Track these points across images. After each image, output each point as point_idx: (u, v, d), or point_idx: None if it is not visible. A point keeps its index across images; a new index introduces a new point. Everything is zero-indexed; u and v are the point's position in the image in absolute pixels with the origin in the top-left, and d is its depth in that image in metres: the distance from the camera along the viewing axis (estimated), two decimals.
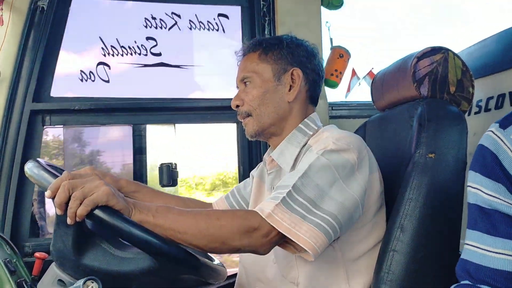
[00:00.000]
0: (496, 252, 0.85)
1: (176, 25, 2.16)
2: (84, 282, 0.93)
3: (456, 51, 1.44)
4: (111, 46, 2.07)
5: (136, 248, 1.03)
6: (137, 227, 0.98)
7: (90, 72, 2.05)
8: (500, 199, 0.84)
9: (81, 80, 2.05)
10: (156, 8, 2.14)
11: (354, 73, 2.30)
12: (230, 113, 2.06)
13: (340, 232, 1.14)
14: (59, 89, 1.99)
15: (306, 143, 1.34)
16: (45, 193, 1.00)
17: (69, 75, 2.06)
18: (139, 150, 2.12)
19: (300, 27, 2.07)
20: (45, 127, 1.98)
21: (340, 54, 2.19)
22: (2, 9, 1.80)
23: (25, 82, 1.89)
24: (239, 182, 2.14)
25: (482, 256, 0.86)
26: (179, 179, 2.10)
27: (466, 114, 1.40)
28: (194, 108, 2.15)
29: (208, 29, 2.20)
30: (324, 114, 2.12)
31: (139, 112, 2.11)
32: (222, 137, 2.27)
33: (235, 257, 2.21)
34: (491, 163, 0.86)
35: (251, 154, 2.15)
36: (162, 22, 2.14)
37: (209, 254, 1.34)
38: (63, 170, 1.41)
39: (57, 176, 1.02)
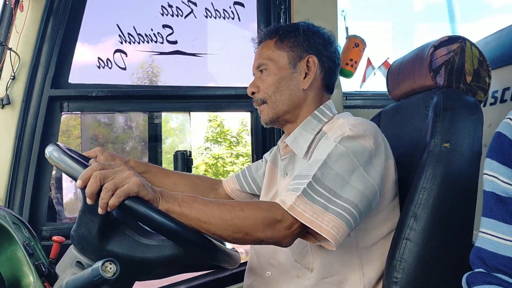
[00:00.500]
0: (511, 241, 0.84)
1: (192, 13, 2.17)
2: (103, 264, 0.95)
3: (473, 41, 1.43)
4: (128, 33, 2.09)
5: (160, 236, 1.05)
6: (166, 217, 1.00)
7: (108, 59, 2.08)
8: None
9: (99, 67, 2.07)
10: None
11: (369, 62, 2.29)
12: (245, 101, 2.08)
13: (360, 220, 1.15)
14: (77, 76, 2.02)
15: (320, 130, 1.35)
16: (76, 182, 1.00)
17: (87, 62, 2.08)
18: (154, 137, 2.14)
19: (316, 16, 2.07)
20: (63, 113, 2.00)
21: (356, 44, 2.18)
22: None
23: (44, 68, 1.91)
24: None
25: (497, 244, 0.87)
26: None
27: (482, 105, 1.40)
28: (209, 96, 2.16)
29: (224, 18, 2.20)
30: (338, 104, 2.11)
31: (155, 100, 2.13)
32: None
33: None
34: (509, 151, 0.86)
35: (265, 142, 2.16)
36: (178, 10, 2.14)
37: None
38: (84, 156, 1.44)
39: (84, 165, 1.03)
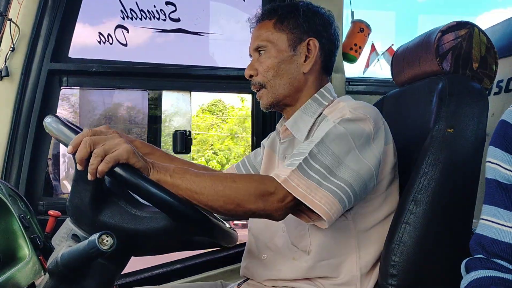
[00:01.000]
0: None
1: None
2: (100, 236, 0.94)
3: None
4: (130, 9, 2.06)
5: (153, 208, 1.04)
6: (156, 186, 1.00)
7: (109, 34, 2.05)
8: None
9: (99, 42, 2.04)
10: None
11: (373, 48, 2.27)
12: (246, 83, 2.04)
13: (354, 201, 1.14)
14: (77, 50, 1.99)
15: (321, 114, 1.34)
16: (67, 148, 1.00)
17: (88, 37, 2.05)
18: (154, 116, 2.13)
19: None
20: (62, 87, 1.98)
21: (361, 28, 2.16)
22: None
23: (44, 41, 1.88)
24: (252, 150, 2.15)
25: (498, 231, 0.87)
26: None
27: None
28: (210, 76, 2.14)
29: None
30: (340, 89, 2.10)
31: (155, 78, 2.10)
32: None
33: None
34: None
35: (265, 124, 2.15)
36: None
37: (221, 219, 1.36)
38: (81, 128, 1.43)
39: (76, 132, 1.03)
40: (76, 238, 1.10)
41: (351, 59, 2.18)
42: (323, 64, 1.38)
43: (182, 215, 1.01)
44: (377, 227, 1.28)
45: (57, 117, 1.09)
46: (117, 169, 0.98)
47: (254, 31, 1.41)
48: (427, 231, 1.20)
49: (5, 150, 1.83)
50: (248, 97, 2.23)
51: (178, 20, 2.12)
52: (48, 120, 1.08)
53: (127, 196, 1.10)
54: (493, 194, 0.90)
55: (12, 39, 1.80)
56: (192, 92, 2.15)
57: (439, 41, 1.37)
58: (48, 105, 1.94)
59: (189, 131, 2.09)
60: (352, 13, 2.19)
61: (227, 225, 1.33)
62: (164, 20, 2.10)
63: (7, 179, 1.84)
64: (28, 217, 1.32)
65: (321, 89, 1.37)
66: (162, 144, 2.13)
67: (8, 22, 1.79)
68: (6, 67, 1.80)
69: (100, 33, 2.05)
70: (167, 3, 2.10)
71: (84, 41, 2.05)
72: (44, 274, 1.06)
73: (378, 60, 2.27)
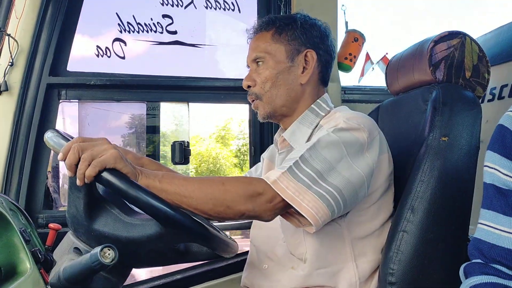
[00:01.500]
0: (510, 232, 0.85)
1: (192, 4, 2.16)
2: (101, 249, 0.96)
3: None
4: (128, 22, 2.08)
5: (145, 215, 1.05)
6: (143, 191, 1.00)
7: (106, 48, 2.07)
8: None
9: (97, 55, 2.06)
10: None
11: (368, 57, 2.29)
12: (243, 93, 2.06)
13: (344, 208, 1.15)
14: (76, 63, 2.01)
15: (318, 124, 1.35)
16: (58, 156, 1.03)
17: (86, 50, 2.07)
18: (152, 127, 2.14)
19: (316, 9, 2.06)
20: (61, 101, 2.00)
21: (355, 38, 2.18)
22: None
23: (42, 55, 1.90)
24: (251, 162, 2.17)
25: (497, 236, 0.87)
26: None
27: (479, 101, 1.41)
28: (208, 87, 2.15)
29: (224, 9, 2.19)
30: (336, 98, 2.12)
31: (153, 90, 2.12)
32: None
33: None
34: (511, 143, 0.86)
35: (262, 134, 2.16)
36: (178, 0, 2.13)
37: (222, 231, 1.36)
38: None
39: (67, 140, 1.05)
40: (77, 251, 1.11)
41: (346, 69, 2.20)
42: (320, 75, 1.40)
43: (170, 219, 1.01)
44: (372, 235, 1.29)
45: (56, 131, 1.11)
46: (104, 174, 1.00)
47: (252, 42, 1.42)
48: (425, 239, 1.21)
49: (5, 164, 1.84)
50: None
51: (175, 32, 2.14)
52: (48, 135, 1.10)
53: (120, 203, 1.11)
54: (491, 199, 0.90)
55: (11, 53, 1.82)
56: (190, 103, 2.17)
57: (431, 51, 1.39)
58: (47, 119, 1.95)
59: (188, 142, 2.11)
60: (346, 23, 2.21)
61: (224, 235, 1.34)
62: (161, 32, 2.12)
63: (7, 192, 1.85)
64: (29, 230, 1.33)
65: (318, 100, 1.39)
66: (160, 155, 2.14)
67: (7, 37, 1.80)
68: (5, 81, 1.81)
69: (98, 46, 2.06)
70: (163, 16, 2.13)
71: (82, 54, 2.07)
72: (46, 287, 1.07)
73: (373, 69, 2.29)
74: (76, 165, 1.00)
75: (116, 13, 2.07)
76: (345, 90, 2.24)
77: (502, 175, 0.87)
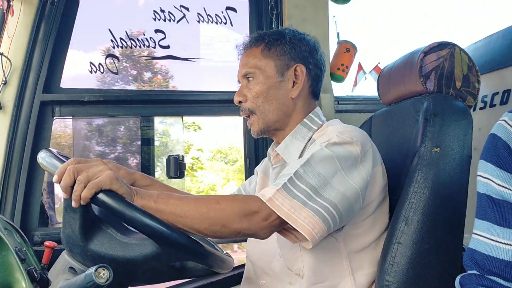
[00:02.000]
0: (505, 243, 0.85)
1: (184, 18, 2.17)
2: (96, 270, 0.95)
3: (462, 47, 1.45)
4: (120, 38, 2.09)
5: (141, 234, 1.04)
6: (139, 211, 1.00)
7: (99, 64, 2.08)
8: None
9: (90, 71, 2.07)
10: (164, 0, 2.15)
11: (360, 67, 2.31)
12: (237, 106, 2.08)
13: (340, 222, 1.15)
14: (69, 80, 2.01)
15: (311, 138, 1.35)
16: (53, 177, 1.02)
17: (79, 67, 2.08)
18: (147, 142, 2.14)
19: (307, 21, 2.08)
20: (54, 118, 2.00)
21: (347, 49, 2.20)
22: (13, 0, 1.82)
23: (36, 73, 1.91)
24: (245, 174, 2.17)
25: (491, 247, 0.87)
26: None
27: (471, 109, 1.42)
28: (201, 100, 2.16)
29: (216, 22, 2.21)
30: (330, 108, 2.12)
31: (147, 104, 2.13)
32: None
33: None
34: (504, 153, 0.85)
35: (257, 147, 2.17)
36: (170, 15, 2.15)
37: (217, 245, 1.36)
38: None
39: (62, 161, 1.05)
40: (73, 271, 1.10)
41: (339, 79, 2.22)
42: (311, 89, 1.41)
43: (166, 238, 1.01)
44: (369, 248, 1.29)
45: (50, 151, 1.11)
46: (100, 195, 1.00)
47: (242, 58, 1.43)
48: (420, 250, 1.21)
49: None
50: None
51: (167, 47, 2.15)
52: (41, 155, 1.10)
53: (115, 223, 1.11)
54: (485, 209, 0.89)
55: (4, 72, 1.82)
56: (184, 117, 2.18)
57: (421, 61, 1.41)
58: (41, 136, 1.95)
59: (182, 156, 2.11)
60: (338, 34, 2.23)
61: (219, 250, 1.33)
62: (154, 47, 2.14)
63: (2, 210, 1.84)
64: (24, 249, 1.32)
65: (310, 114, 1.39)
66: (155, 170, 2.14)
67: (0, 56, 1.81)
68: None
69: (91, 62, 2.07)
70: (156, 31, 2.14)
71: (75, 71, 2.08)
72: None
73: (366, 78, 2.31)
74: (72, 187, 1.00)
75: (109, 29, 2.08)
76: (338, 100, 2.25)
77: (496, 185, 0.86)
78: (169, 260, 1.11)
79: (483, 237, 0.89)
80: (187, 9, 2.17)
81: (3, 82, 1.83)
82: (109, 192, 1.01)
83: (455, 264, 1.23)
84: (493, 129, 0.90)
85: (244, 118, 1.43)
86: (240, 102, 1.40)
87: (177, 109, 2.15)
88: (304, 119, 1.38)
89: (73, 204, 1.00)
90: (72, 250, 1.10)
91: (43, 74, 1.92)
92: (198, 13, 2.19)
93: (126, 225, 1.12)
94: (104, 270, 0.96)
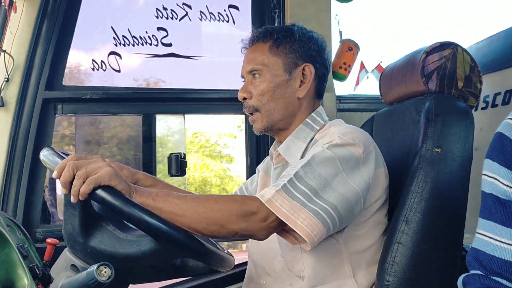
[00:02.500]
0: (510, 244, 0.83)
1: (186, 16, 2.17)
2: (98, 267, 0.96)
3: (464, 47, 1.45)
4: (123, 36, 2.09)
5: (139, 231, 1.05)
6: (137, 207, 1.01)
7: (102, 61, 2.08)
8: None
9: (93, 69, 2.07)
10: None
11: (362, 66, 2.31)
12: (239, 104, 2.07)
13: (340, 225, 1.14)
14: (71, 78, 2.02)
15: (313, 138, 1.34)
16: (53, 173, 1.03)
17: (81, 64, 2.08)
18: (149, 140, 2.15)
19: (310, 20, 2.08)
20: (57, 115, 2.00)
21: (349, 47, 2.20)
22: None
23: (38, 70, 1.91)
24: (247, 173, 2.17)
25: (496, 247, 0.85)
26: None
27: (473, 109, 1.41)
28: (203, 99, 2.16)
29: (219, 20, 2.21)
30: (332, 107, 2.12)
31: (149, 102, 2.13)
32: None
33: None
34: (511, 152, 0.83)
35: (259, 145, 2.17)
36: (173, 13, 2.15)
37: (218, 244, 1.36)
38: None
39: (62, 158, 1.05)
40: (74, 268, 1.11)
41: (341, 78, 2.21)
42: (317, 89, 1.39)
43: (164, 235, 1.02)
44: (370, 249, 1.28)
45: (52, 148, 1.12)
46: (99, 191, 1.01)
47: (248, 53, 1.39)
48: (420, 250, 1.22)
49: (2, 179, 1.85)
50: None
51: (170, 45, 2.15)
52: (44, 153, 1.10)
53: (115, 220, 1.12)
54: (490, 209, 0.87)
55: (6, 69, 1.83)
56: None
57: (424, 62, 1.40)
58: (44, 133, 1.96)
59: (184, 154, 2.11)
60: (340, 32, 2.23)
61: (219, 248, 1.34)
62: (156, 45, 2.13)
63: (5, 207, 1.85)
64: (26, 246, 1.33)
65: (312, 114, 1.37)
66: (157, 168, 2.14)
67: (2, 53, 1.81)
68: (1, 97, 1.82)
69: (93, 60, 2.07)
70: (158, 29, 2.14)
71: (78, 68, 2.08)
72: None
73: (368, 77, 2.30)
74: (71, 183, 1.01)
75: (111, 27, 2.08)
76: (340, 99, 2.24)
77: (502, 185, 0.84)
78: (168, 257, 1.12)
79: (487, 237, 0.87)
80: (190, 7, 2.17)
81: (6, 79, 1.83)
82: (107, 188, 1.02)
83: (455, 264, 1.24)
84: (499, 128, 0.88)
85: (248, 115, 1.42)
86: (244, 98, 1.37)
87: (179, 107, 2.16)
88: (306, 119, 1.37)
89: (72, 199, 1.01)
90: (73, 247, 1.11)
91: (45, 71, 1.93)
92: (201, 11, 2.18)
93: (124, 221, 1.13)
94: (105, 268, 0.97)
